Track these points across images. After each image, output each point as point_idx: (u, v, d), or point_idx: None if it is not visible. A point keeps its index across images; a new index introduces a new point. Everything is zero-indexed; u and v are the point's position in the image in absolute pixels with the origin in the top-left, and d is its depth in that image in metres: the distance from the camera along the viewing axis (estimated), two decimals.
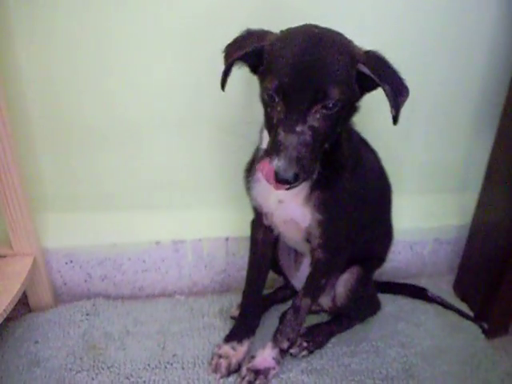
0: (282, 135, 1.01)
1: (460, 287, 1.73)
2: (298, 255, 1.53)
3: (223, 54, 1.13)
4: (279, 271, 1.57)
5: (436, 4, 1.45)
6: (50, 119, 1.48)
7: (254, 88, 1.12)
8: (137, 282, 1.67)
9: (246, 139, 1.22)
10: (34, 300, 1.59)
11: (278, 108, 1.02)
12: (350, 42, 1.07)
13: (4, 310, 1.31)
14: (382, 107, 1.55)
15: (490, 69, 1.53)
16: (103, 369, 1.39)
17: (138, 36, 1.38)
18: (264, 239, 1.39)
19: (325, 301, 1.47)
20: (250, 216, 1.39)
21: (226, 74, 1.11)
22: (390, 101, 1.04)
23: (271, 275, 1.51)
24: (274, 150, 1.01)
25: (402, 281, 1.71)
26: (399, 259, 1.74)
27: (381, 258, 1.53)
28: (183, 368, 1.39)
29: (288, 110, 1.01)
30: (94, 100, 1.47)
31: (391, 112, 1.04)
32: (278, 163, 0.99)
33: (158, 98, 1.47)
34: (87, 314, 1.58)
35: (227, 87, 1.10)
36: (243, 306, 1.47)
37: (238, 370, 1.38)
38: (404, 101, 1.07)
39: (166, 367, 1.40)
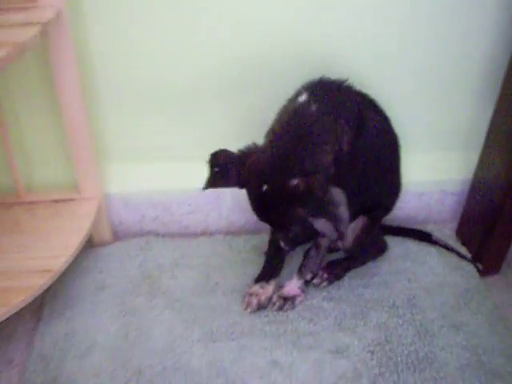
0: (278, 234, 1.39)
1: (461, 233, 1.82)
2: None
3: (208, 163, 1.27)
4: None
5: None
6: (114, 81, 1.59)
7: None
8: (183, 221, 1.81)
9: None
10: (97, 237, 1.74)
11: None
12: (295, 178, 1.15)
13: (78, 245, 1.47)
14: (386, 72, 1.62)
15: (494, 33, 1.55)
16: (157, 294, 1.55)
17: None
18: None
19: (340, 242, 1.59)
20: None
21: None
22: (328, 235, 1.17)
23: None
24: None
25: (410, 226, 1.81)
26: (409, 207, 1.83)
27: (387, 208, 1.61)
28: (224, 294, 1.55)
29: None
30: (154, 63, 1.56)
31: (337, 242, 1.11)
32: (283, 246, 1.40)
33: (210, 63, 1.57)
34: (141, 249, 1.72)
35: None
36: (268, 254, 1.61)
37: (266, 306, 1.51)
38: (346, 222, 1.16)
39: (209, 293, 1.56)
